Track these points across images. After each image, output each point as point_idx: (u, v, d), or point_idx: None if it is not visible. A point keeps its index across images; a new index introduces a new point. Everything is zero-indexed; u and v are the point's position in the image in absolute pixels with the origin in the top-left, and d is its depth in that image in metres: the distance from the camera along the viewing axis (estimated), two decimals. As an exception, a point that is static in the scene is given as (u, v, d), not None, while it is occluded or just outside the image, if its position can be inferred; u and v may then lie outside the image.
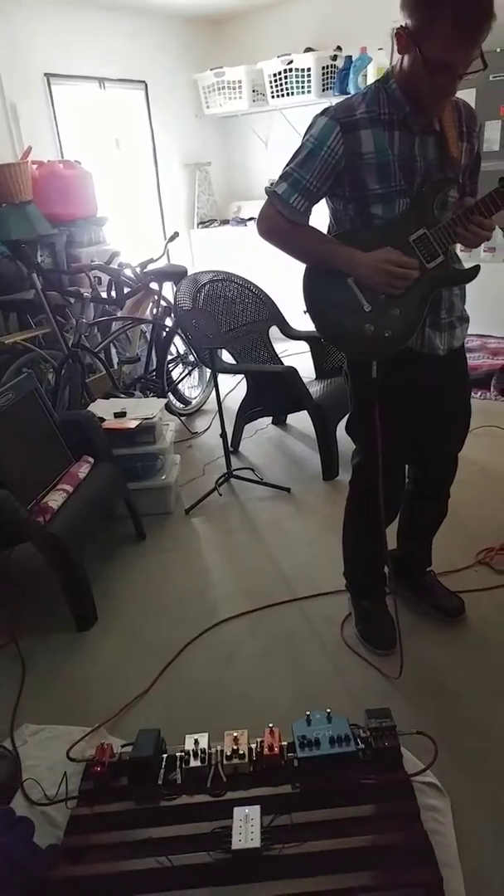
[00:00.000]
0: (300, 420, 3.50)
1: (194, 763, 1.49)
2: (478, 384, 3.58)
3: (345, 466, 2.93)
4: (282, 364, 3.31)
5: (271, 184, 1.61)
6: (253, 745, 1.51)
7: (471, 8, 1.26)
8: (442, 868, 1.25)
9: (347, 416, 1.81)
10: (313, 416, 2.90)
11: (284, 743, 1.51)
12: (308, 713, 1.54)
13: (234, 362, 3.23)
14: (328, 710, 1.54)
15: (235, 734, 1.53)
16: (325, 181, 1.52)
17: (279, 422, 3.59)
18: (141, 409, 2.80)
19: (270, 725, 1.53)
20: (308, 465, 3.10)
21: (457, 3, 1.25)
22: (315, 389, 3.04)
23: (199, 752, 1.50)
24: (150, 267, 3.71)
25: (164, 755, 1.53)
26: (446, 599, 2.00)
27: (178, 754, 1.51)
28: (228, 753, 1.49)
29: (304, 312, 1.65)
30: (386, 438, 1.65)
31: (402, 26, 1.35)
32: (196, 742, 1.53)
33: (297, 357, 3.69)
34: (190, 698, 1.84)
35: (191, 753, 1.50)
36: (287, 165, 1.56)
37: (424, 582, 2.05)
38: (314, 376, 3.32)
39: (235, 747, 1.50)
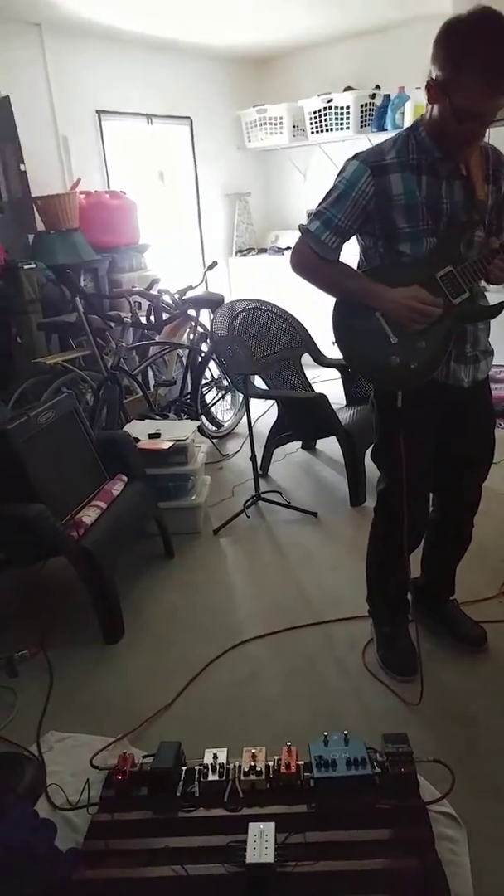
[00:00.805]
0: (329, 445, 3.54)
1: (212, 777, 1.52)
2: (507, 415, 3.57)
3: (372, 493, 2.94)
4: (313, 390, 3.37)
5: (308, 219, 1.69)
6: (270, 763, 1.54)
7: (498, 61, 1.34)
8: (455, 898, 1.26)
9: (373, 444, 1.85)
10: (342, 441, 2.95)
11: (301, 762, 1.53)
12: (325, 734, 1.57)
13: (266, 388, 3.31)
14: (345, 732, 1.57)
15: (253, 751, 1.57)
16: (355, 220, 1.60)
17: (308, 447, 3.64)
18: (175, 430, 2.89)
19: (288, 744, 1.56)
20: (336, 490, 3.14)
21: (485, 57, 1.33)
22: (345, 416, 3.09)
23: (218, 767, 1.54)
24: (189, 294, 3.84)
25: (184, 767, 1.57)
26: (469, 628, 2.01)
27: (197, 767, 1.56)
28: (246, 769, 1.52)
29: (333, 343, 1.72)
30: (410, 467, 1.69)
31: (432, 78, 1.43)
32: (215, 756, 1.57)
33: (328, 384, 3.75)
34: (211, 714, 1.88)
35: (209, 767, 1.54)
36: (320, 205, 1.64)
37: (447, 610, 2.06)
38: (344, 403, 3.37)
39: (253, 764, 1.53)
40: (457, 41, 1.39)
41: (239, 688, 1.97)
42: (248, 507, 2.93)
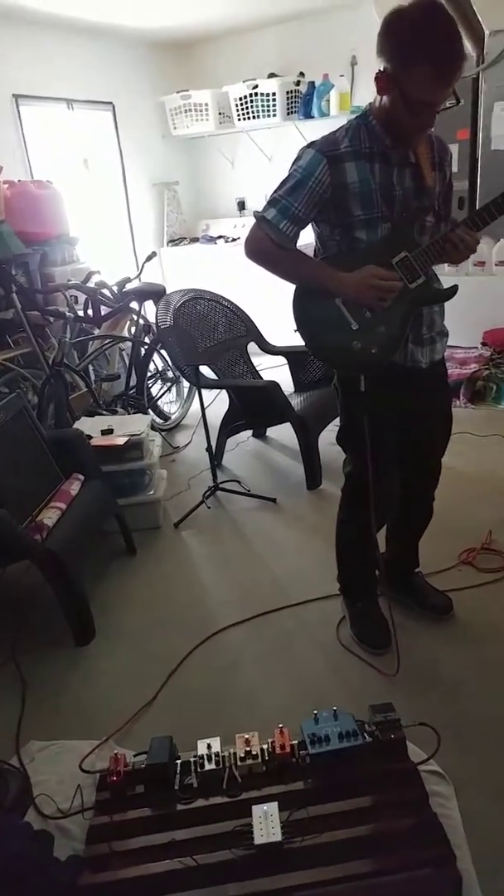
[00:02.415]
0: (279, 432, 3.59)
1: (209, 766, 1.53)
2: (447, 393, 3.73)
3: (327, 476, 3.03)
4: (259, 376, 3.40)
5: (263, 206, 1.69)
6: (265, 746, 1.57)
7: (446, 54, 1.39)
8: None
9: (338, 428, 1.90)
10: (296, 428, 2.99)
11: (295, 741, 1.57)
12: (315, 712, 1.61)
13: (215, 378, 3.30)
14: (335, 708, 1.61)
15: (246, 736, 1.58)
16: (311, 209, 1.62)
17: (259, 434, 3.68)
18: (127, 425, 2.85)
19: (280, 726, 1.59)
20: (291, 475, 3.19)
21: (433, 50, 1.38)
22: (296, 402, 3.14)
23: (213, 756, 1.55)
24: (128, 286, 3.77)
25: (179, 760, 1.58)
26: (435, 598, 2.11)
27: (192, 759, 1.56)
28: (242, 755, 1.54)
29: (295, 331, 1.74)
30: (376, 447, 1.75)
31: (381, 70, 1.47)
32: (209, 746, 1.58)
33: (274, 371, 3.79)
34: (196, 705, 1.89)
35: (205, 757, 1.55)
36: (275, 192, 1.66)
37: (414, 582, 2.15)
38: (293, 389, 3.42)
39: (248, 749, 1.55)
40: (403, 34, 1.43)
41: (220, 676, 1.99)
42: (207, 497, 2.93)
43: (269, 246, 1.66)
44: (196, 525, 2.85)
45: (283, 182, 1.65)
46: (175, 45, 5.18)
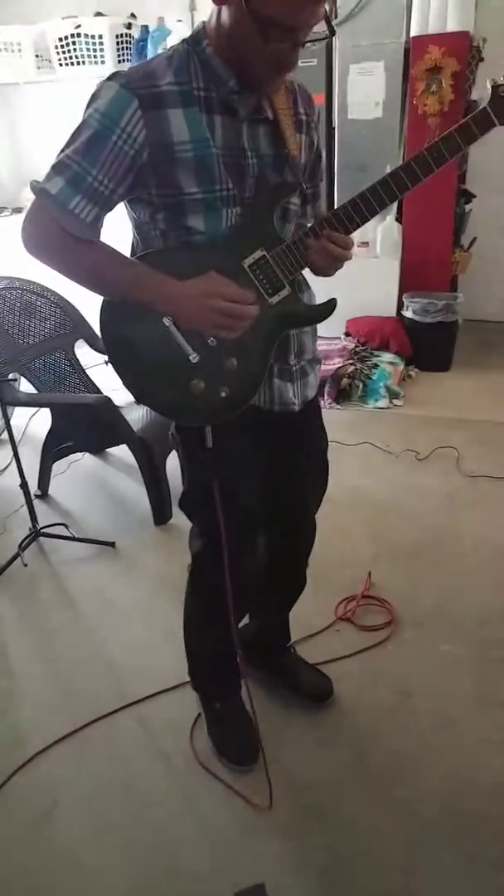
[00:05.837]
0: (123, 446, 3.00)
1: None
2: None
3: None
4: (92, 383, 2.77)
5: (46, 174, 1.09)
6: None
7: None
8: None
9: (181, 492, 1.38)
10: (136, 452, 2.43)
11: None
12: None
13: (32, 388, 2.62)
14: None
15: None
16: (119, 179, 1.06)
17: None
18: None
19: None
20: (135, 505, 2.63)
21: None
22: (137, 416, 2.57)
23: None
24: None
25: None
26: (311, 680, 1.69)
27: None
28: None
29: (107, 363, 1.19)
30: (231, 516, 1.26)
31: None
32: None
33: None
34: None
35: None
36: (62, 151, 1.07)
37: (284, 663, 1.72)
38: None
39: None
40: None
41: (32, 831, 1.43)
42: (24, 549, 2.29)
43: (56, 235, 1.06)
44: (10, 587, 2.20)
45: (75, 134, 1.06)
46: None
